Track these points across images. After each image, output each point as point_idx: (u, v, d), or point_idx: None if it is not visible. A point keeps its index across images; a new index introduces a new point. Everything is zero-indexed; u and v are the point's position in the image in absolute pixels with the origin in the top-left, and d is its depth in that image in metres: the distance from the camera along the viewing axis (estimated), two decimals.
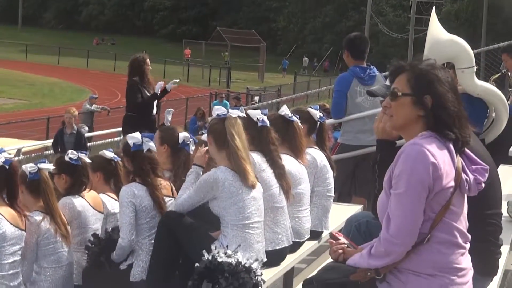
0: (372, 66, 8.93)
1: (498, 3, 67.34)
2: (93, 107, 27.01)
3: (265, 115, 5.90)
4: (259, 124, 5.83)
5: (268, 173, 5.75)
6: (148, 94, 11.11)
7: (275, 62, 76.80)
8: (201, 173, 5.64)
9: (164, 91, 11.34)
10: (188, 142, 6.29)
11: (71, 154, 6.23)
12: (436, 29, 8.17)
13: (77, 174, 6.21)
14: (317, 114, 6.74)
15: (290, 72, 72.13)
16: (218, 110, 5.53)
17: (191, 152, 6.27)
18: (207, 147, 5.74)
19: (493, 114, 9.05)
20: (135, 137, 5.93)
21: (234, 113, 5.49)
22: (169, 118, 11.22)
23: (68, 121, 16.46)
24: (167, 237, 5.47)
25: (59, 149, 16.63)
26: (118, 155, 6.38)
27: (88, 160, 6.38)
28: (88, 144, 20.56)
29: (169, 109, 11.42)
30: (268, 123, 5.88)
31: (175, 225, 5.44)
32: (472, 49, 8.58)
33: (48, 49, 75.54)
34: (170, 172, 6.30)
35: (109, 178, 6.51)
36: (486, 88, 8.73)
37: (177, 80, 11.65)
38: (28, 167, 5.73)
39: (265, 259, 5.39)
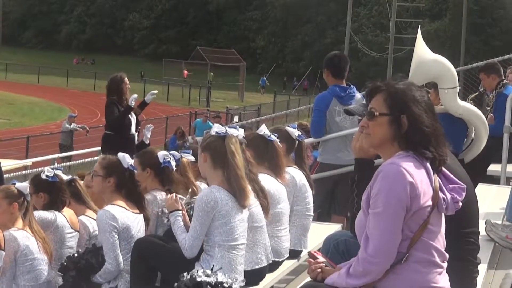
0: (352, 86, 8.89)
1: (478, 22, 67.89)
2: (72, 125, 26.93)
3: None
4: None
5: None
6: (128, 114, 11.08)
7: (255, 81, 76.76)
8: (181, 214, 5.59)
9: (144, 103, 11.32)
10: (169, 159, 6.29)
11: (47, 171, 6.22)
12: (421, 49, 8.21)
13: (56, 191, 6.21)
14: (295, 132, 6.74)
15: (269, 91, 72.07)
16: (217, 128, 5.50)
17: (174, 168, 6.29)
18: (174, 194, 5.72)
19: (473, 134, 9.09)
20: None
21: (234, 132, 5.48)
22: (148, 135, 11.15)
23: None
24: (140, 264, 5.48)
25: None
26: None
27: (65, 177, 6.39)
28: (63, 164, 20.26)
29: (149, 125, 11.37)
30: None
31: (148, 253, 5.45)
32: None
33: (28, 68, 75.26)
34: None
35: (78, 199, 6.50)
36: (468, 108, 8.77)
37: (155, 92, 11.63)
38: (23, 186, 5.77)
39: (243, 282, 5.38)
